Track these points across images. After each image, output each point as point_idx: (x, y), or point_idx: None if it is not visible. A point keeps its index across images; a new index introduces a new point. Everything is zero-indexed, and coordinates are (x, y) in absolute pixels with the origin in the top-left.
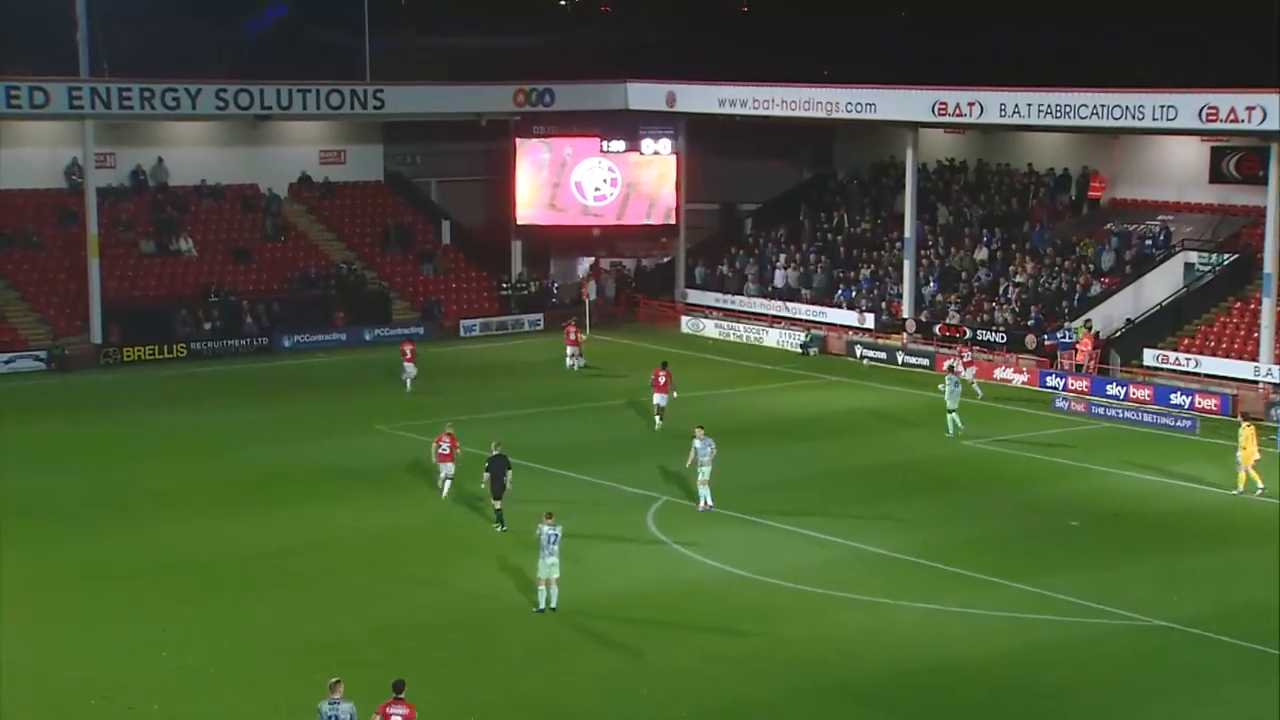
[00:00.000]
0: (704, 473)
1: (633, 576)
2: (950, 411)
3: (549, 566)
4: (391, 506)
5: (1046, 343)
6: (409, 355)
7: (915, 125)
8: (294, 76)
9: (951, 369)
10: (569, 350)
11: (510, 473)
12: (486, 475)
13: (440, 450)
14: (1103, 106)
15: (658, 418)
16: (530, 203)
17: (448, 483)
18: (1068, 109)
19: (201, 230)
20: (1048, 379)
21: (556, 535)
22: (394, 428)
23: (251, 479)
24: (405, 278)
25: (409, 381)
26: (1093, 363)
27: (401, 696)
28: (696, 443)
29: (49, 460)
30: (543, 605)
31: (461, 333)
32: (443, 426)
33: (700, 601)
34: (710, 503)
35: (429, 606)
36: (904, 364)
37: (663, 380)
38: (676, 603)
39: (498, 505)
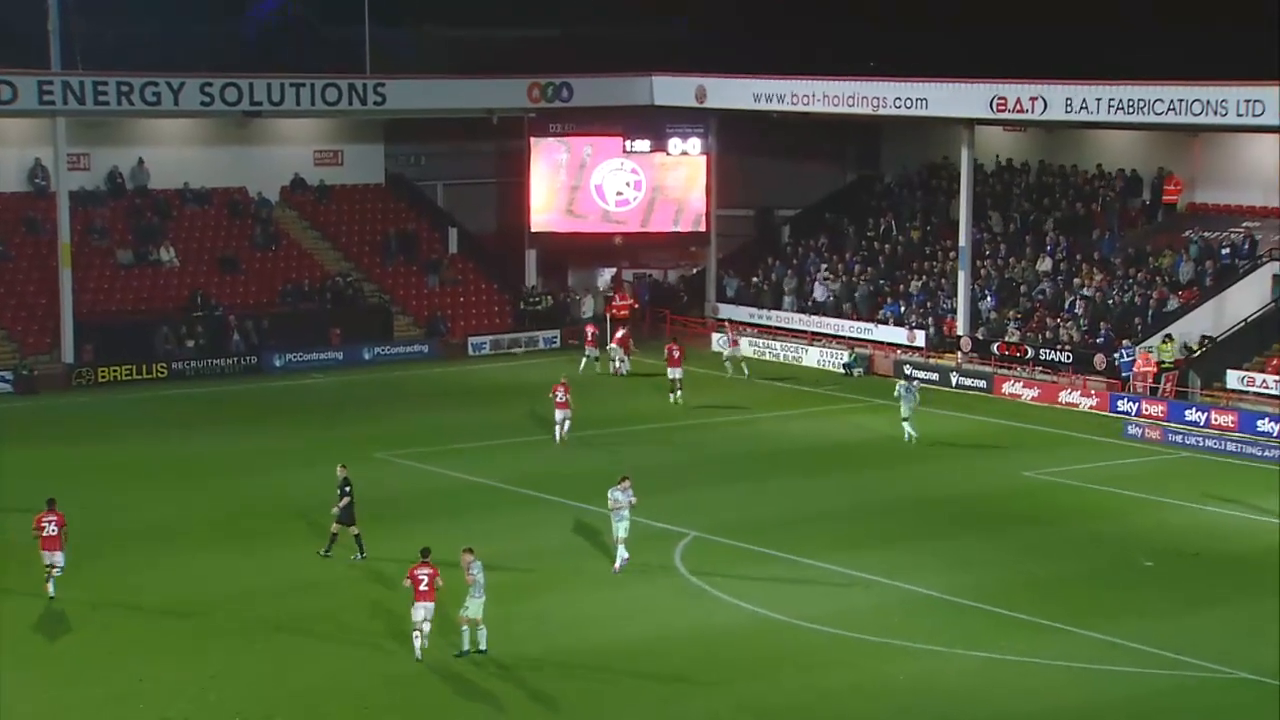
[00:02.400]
0: (620, 528)
1: (660, 621)
2: (907, 419)
3: (477, 606)
4: (398, 540)
5: (1118, 363)
6: (561, 400)
7: (971, 122)
8: (286, 69)
9: (907, 375)
10: (614, 351)
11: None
12: (345, 501)
13: (557, 399)
14: (1180, 101)
15: (558, 431)
16: (546, 208)
17: (561, 427)
18: (1141, 104)
19: (184, 238)
20: (1118, 403)
21: (479, 573)
22: (395, 455)
23: (240, 512)
24: (408, 290)
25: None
26: (1169, 385)
27: (428, 560)
28: (616, 493)
29: (13, 492)
30: (466, 647)
31: (470, 351)
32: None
33: (734, 649)
34: (626, 556)
35: (441, 648)
36: (958, 386)
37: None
38: (708, 650)
39: (354, 531)
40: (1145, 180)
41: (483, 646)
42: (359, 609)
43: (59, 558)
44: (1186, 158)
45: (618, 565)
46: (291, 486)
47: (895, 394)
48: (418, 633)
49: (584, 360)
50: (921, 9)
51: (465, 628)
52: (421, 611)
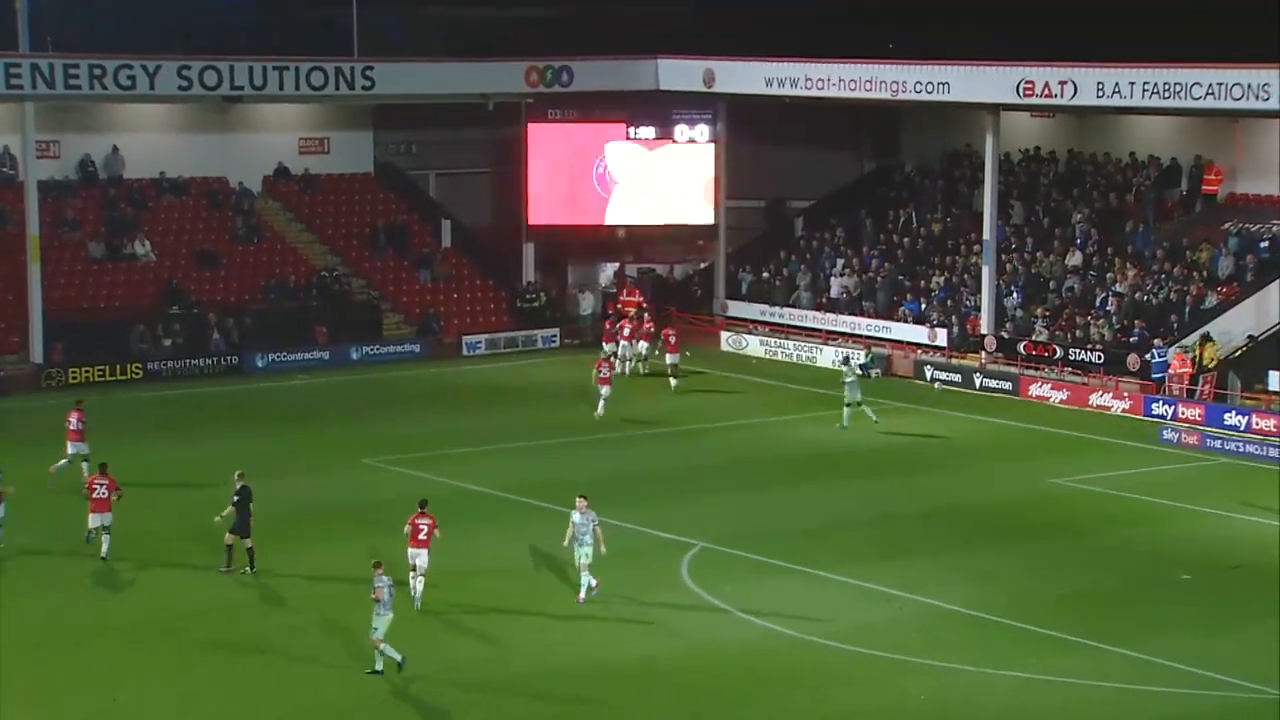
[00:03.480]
0: (583, 554)
1: (665, 638)
2: (850, 405)
3: (385, 624)
4: (386, 551)
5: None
6: (604, 375)
7: (996, 108)
8: (269, 51)
9: (847, 360)
10: (627, 349)
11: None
12: (230, 510)
13: (600, 374)
14: (1220, 85)
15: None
16: (545, 199)
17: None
18: (1178, 88)
19: (161, 231)
20: (1153, 406)
21: (387, 590)
22: (384, 461)
23: (220, 522)
24: (398, 287)
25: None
26: (1207, 387)
27: (425, 510)
28: (575, 516)
29: None
30: (380, 667)
31: (464, 350)
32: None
33: (745, 668)
34: (595, 585)
35: (431, 659)
36: (982, 388)
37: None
38: (718, 669)
39: (248, 544)
40: (1183, 169)
41: (398, 658)
42: (336, 629)
43: (107, 519)
44: (1227, 145)
45: (582, 595)
46: (274, 495)
47: (841, 380)
48: (418, 578)
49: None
50: None
51: (380, 649)
52: (419, 559)
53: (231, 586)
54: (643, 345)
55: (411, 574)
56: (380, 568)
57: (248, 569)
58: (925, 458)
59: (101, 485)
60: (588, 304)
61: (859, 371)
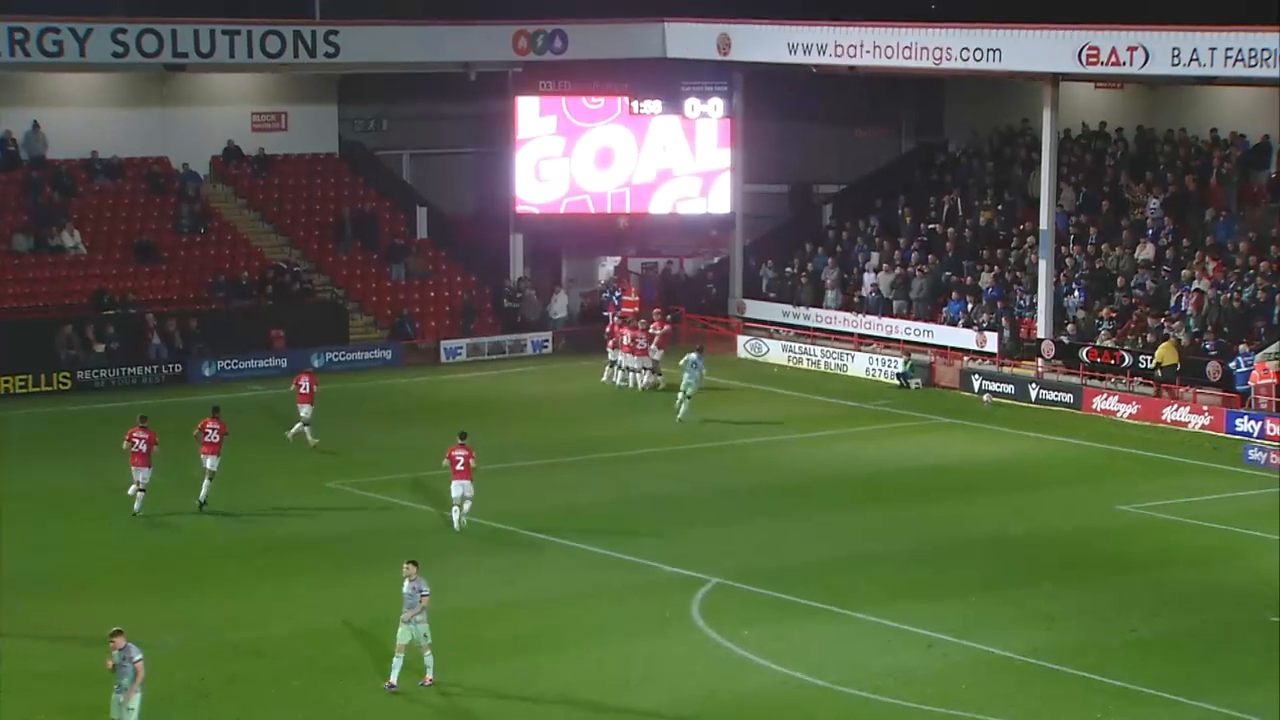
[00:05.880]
0: (414, 634)
1: (673, 686)
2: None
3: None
4: (358, 590)
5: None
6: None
7: (1055, 78)
8: (217, 13)
9: (700, 349)
10: (626, 360)
11: None
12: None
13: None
14: None
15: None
16: (535, 184)
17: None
18: (1265, 54)
19: (93, 220)
20: (1237, 422)
21: None
22: (350, 484)
23: (164, 554)
24: (367, 284)
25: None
26: None
27: (464, 441)
28: (406, 586)
29: None
30: None
31: (443, 357)
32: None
33: None
34: (431, 679)
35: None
36: (1039, 401)
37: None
38: None
39: None
40: (1272, 148)
41: None
42: (312, 671)
43: (144, 474)
44: None
45: (388, 684)
46: (224, 523)
47: (681, 362)
48: (456, 508)
49: (611, 370)
50: None
51: None
52: (459, 489)
53: (174, 627)
54: (658, 353)
55: (454, 507)
56: (120, 637)
57: None
58: (973, 481)
59: (141, 439)
60: (561, 305)
61: (693, 363)
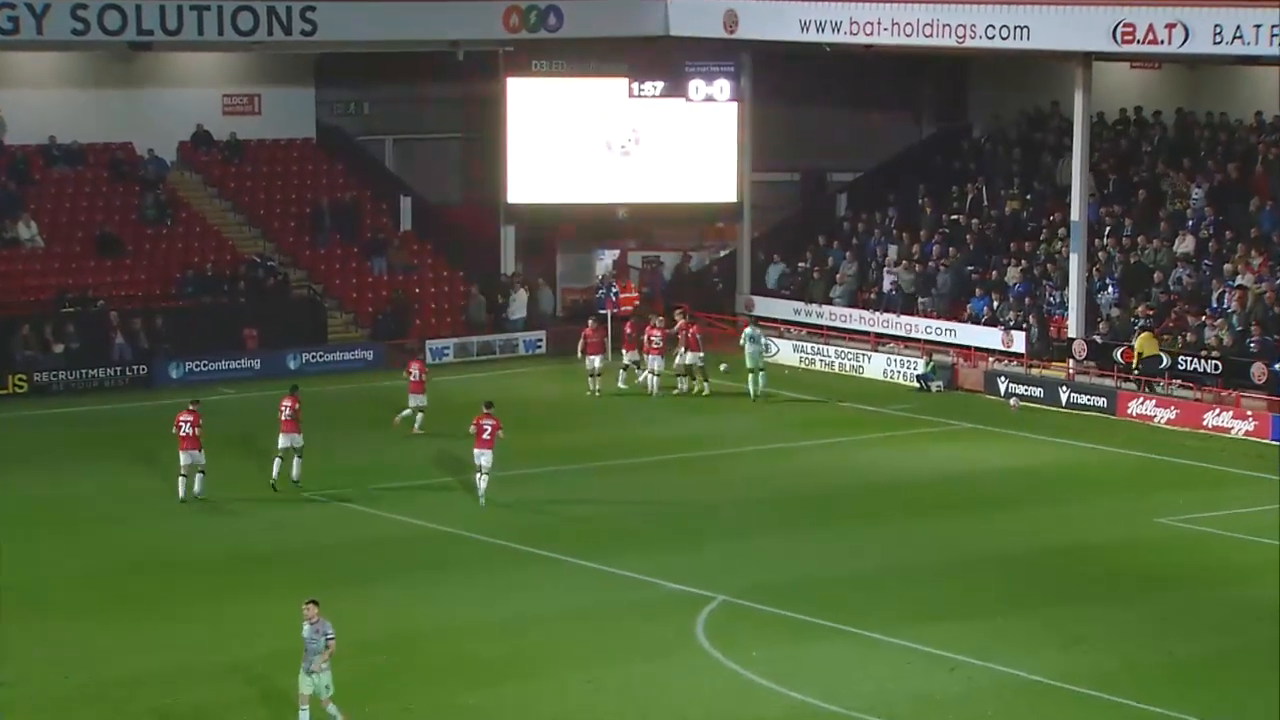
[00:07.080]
0: (308, 682)
1: (676, 712)
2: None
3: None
4: (339, 607)
5: None
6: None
7: (1087, 57)
8: None
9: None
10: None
11: None
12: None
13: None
14: None
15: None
16: (528, 172)
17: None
18: None
19: (51, 210)
20: None
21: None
22: (329, 495)
23: (126, 570)
24: (347, 279)
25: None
26: None
27: (490, 411)
28: (306, 629)
29: None
30: None
31: (430, 358)
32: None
33: None
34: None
35: None
36: (1070, 405)
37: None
38: None
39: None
40: None
41: None
42: (279, 700)
43: (196, 456)
44: None
45: None
46: (193, 537)
47: (740, 341)
48: (482, 477)
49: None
50: None
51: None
52: (483, 458)
53: (141, 650)
54: (691, 356)
55: (477, 474)
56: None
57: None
58: (998, 492)
59: (187, 422)
60: (519, 305)
61: (747, 337)
